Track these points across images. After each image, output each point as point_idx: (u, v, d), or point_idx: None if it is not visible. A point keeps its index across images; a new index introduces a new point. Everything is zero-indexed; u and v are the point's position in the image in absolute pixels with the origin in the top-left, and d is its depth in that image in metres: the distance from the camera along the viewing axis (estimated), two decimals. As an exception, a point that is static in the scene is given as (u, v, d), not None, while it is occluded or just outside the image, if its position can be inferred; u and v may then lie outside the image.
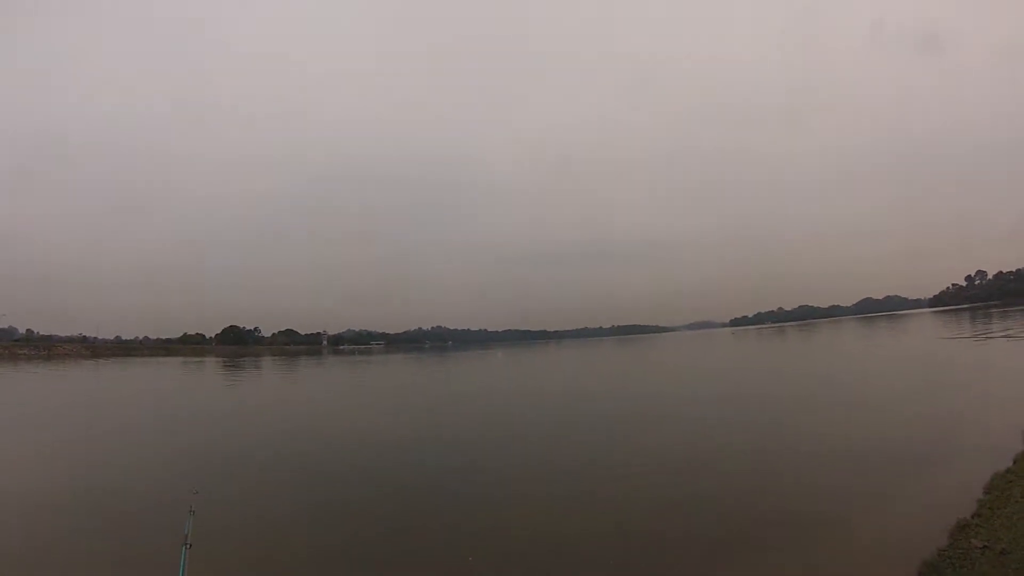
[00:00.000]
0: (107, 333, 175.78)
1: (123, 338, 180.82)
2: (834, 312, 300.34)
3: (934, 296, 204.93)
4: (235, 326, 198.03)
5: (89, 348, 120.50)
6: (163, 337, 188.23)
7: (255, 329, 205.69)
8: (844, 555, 6.71)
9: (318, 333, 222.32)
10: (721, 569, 6.64)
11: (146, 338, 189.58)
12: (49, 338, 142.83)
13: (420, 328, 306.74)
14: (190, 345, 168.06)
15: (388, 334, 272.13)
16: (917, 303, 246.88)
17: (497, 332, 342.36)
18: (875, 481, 9.37)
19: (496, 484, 10.99)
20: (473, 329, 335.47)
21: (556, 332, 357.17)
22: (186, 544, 4.31)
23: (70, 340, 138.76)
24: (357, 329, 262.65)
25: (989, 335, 42.17)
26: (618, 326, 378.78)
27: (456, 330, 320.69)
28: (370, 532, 8.77)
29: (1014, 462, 8.90)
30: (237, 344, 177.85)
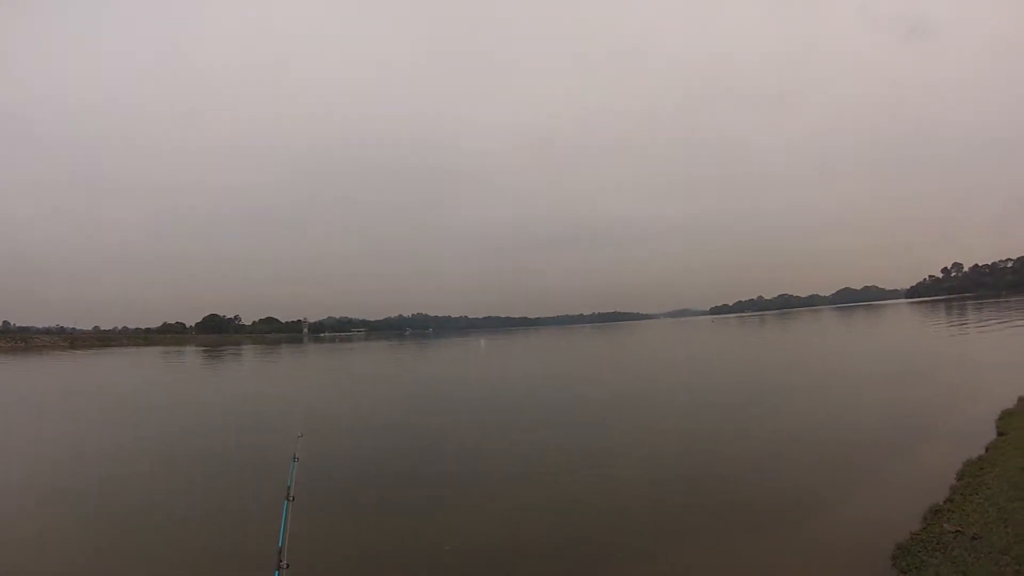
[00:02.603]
0: (85, 324, 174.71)
1: (102, 328, 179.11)
2: (813, 301, 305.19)
3: (911, 287, 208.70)
4: (215, 314, 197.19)
5: (67, 339, 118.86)
6: (142, 327, 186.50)
7: (235, 317, 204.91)
8: (816, 539, 6.79)
9: (299, 321, 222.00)
10: (690, 553, 6.69)
11: (125, 328, 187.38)
12: (27, 330, 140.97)
13: (401, 315, 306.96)
14: (170, 334, 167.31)
15: (369, 321, 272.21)
16: (894, 294, 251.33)
17: (477, 319, 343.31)
18: (847, 466, 9.52)
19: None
20: (454, 316, 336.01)
21: (536, 319, 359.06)
22: (288, 497, 3.85)
23: (48, 332, 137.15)
24: (338, 316, 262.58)
25: (964, 325, 43.12)
26: (598, 313, 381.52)
27: (437, 317, 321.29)
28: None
29: (986, 450, 9.08)
30: (217, 332, 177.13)
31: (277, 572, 3.26)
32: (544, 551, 6.98)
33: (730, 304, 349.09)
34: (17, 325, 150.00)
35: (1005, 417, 10.94)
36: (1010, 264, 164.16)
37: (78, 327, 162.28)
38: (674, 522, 7.72)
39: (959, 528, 6.08)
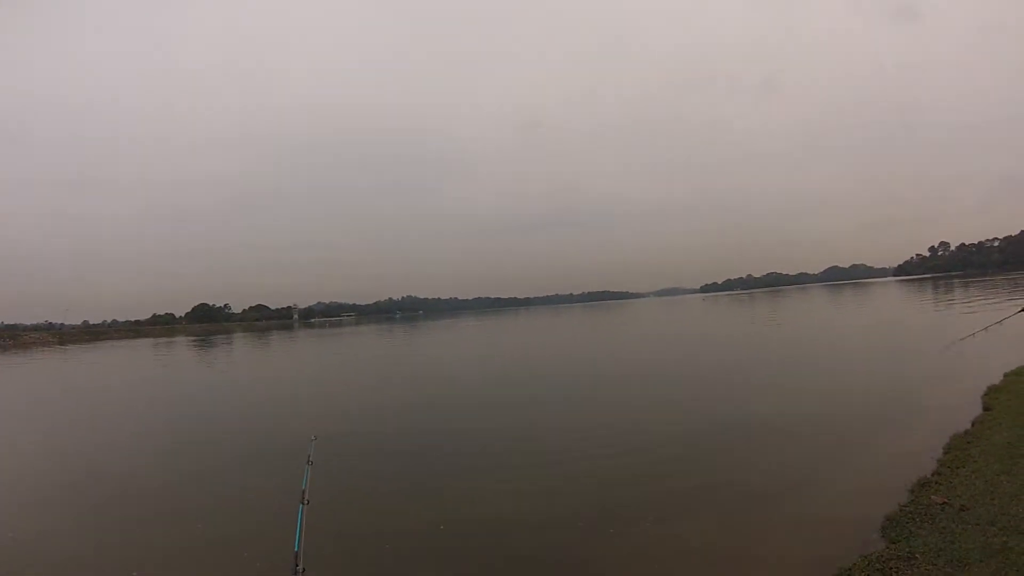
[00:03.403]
0: (74, 319, 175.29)
1: (91, 322, 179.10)
2: (801, 279, 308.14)
3: (898, 265, 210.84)
4: (205, 303, 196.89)
5: (56, 335, 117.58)
6: (132, 319, 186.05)
7: (225, 306, 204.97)
8: (805, 512, 6.91)
9: (289, 307, 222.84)
10: (681, 524, 6.80)
11: (115, 321, 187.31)
12: (15, 327, 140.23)
13: (391, 298, 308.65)
14: (160, 325, 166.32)
15: (359, 306, 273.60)
16: (882, 272, 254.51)
17: (467, 300, 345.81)
18: (835, 440, 9.65)
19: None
20: (444, 298, 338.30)
21: (526, 299, 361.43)
22: (303, 501, 3.79)
23: (36, 328, 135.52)
24: (327, 302, 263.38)
25: (951, 302, 43.65)
26: (588, 293, 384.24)
27: (427, 299, 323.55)
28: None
29: (972, 424, 9.22)
30: (208, 322, 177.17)
31: None
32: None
33: (719, 282, 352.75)
34: (4, 323, 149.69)
35: (991, 392, 11.12)
36: (996, 243, 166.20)
37: (67, 323, 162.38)
38: (667, 496, 7.80)
39: (946, 500, 6.20)
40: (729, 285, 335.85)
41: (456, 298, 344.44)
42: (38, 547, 7.42)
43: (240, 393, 22.92)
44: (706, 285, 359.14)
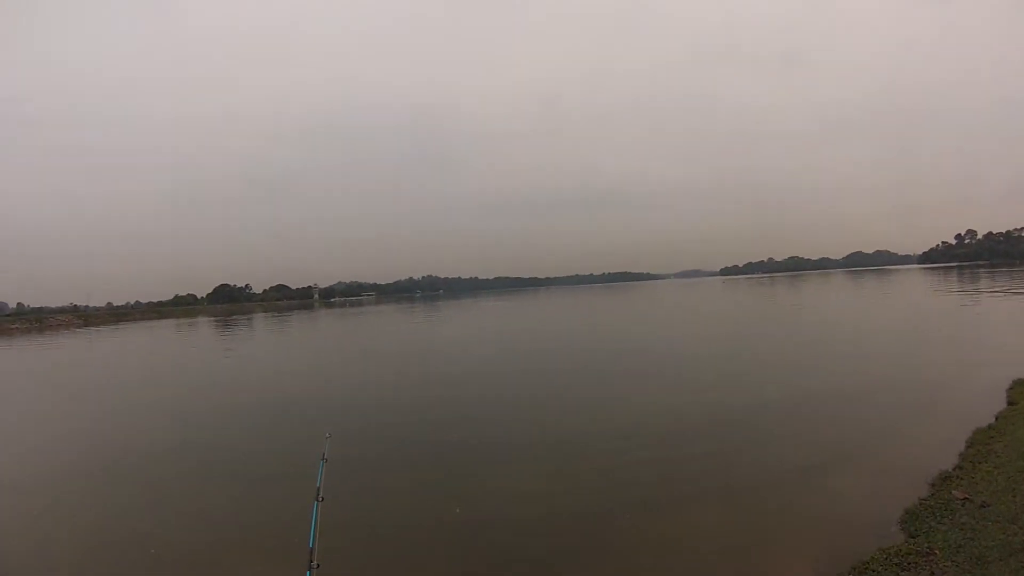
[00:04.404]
0: (98, 300, 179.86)
1: (114, 304, 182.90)
2: (824, 265, 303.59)
3: (923, 253, 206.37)
4: (226, 284, 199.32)
5: (81, 317, 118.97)
6: (154, 300, 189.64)
7: (246, 286, 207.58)
8: (823, 502, 6.91)
9: (309, 287, 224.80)
10: (695, 513, 6.85)
11: (138, 302, 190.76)
12: (40, 310, 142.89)
13: (411, 278, 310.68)
14: (182, 307, 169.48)
15: (379, 285, 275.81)
16: (906, 259, 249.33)
17: (488, 280, 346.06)
18: (857, 432, 9.58)
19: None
20: (464, 277, 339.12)
21: (547, 279, 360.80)
22: (318, 498, 3.84)
23: (62, 311, 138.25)
24: (348, 281, 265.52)
25: (978, 292, 42.68)
26: (608, 273, 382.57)
27: (447, 279, 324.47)
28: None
29: (996, 418, 9.12)
30: (229, 302, 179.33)
31: (309, 573, 3.37)
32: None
33: (740, 266, 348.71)
34: (31, 306, 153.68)
35: (1016, 386, 10.98)
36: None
37: (91, 305, 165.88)
38: (686, 482, 7.87)
39: (967, 495, 6.18)
40: (750, 268, 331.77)
41: (476, 278, 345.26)
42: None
43: (258, 380, 23.09)
44: (726, 268, 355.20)
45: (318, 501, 3.82)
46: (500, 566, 6.02)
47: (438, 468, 9.14)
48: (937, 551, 5.13)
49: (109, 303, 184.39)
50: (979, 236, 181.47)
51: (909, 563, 5.02)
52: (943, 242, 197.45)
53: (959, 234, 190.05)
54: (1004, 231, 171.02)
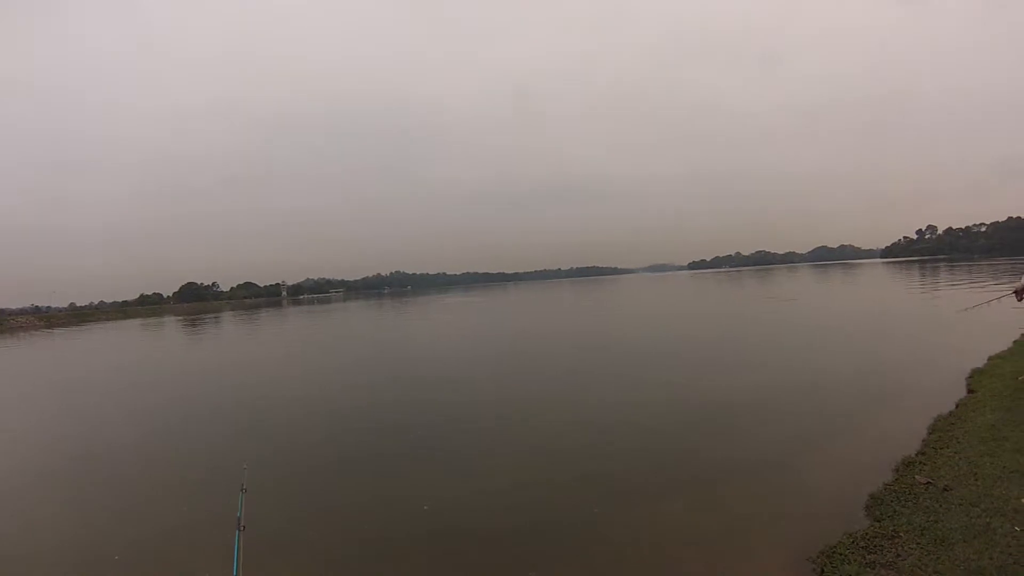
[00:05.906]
0: (60, 301, 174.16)
1: (77, 304, 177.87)
2: (790, 259, 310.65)
3: (886, 247, 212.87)
4: (192, 283, 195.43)
5: (43, 319, 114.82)
6: (119, 300, 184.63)
7: (213, 284, 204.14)
8: (789, 489, 6.97)
9: (277, 284, 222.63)
10: (664, 503, 6.82)
11: (102, 302, 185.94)
12: (0, 312, 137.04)
13: (379, 274, 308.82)
14: (148, 306, 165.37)
15: (347, 281, 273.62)
16: (870, 253, 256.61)
17: (456, 275, 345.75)
18: (821, 419, 9.73)
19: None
20: (432, 273, 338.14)
21: (515, 274, 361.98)
22: (239, 527, 3.66)
23: (23, 312, 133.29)
24: (316, 278, 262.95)
25: (937, 286, 44.08)
26: (576, 268, 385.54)
27: (415, 274, 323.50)
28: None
29: (956, 406, 9.34)
30: (196, 301, 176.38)
31: None
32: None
33: (708, 260, 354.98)
34: None
35: (975, 375, 11.28)
36: (983, 229, 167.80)
37: (53, 306, 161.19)
38: (654, 473, 7.87)
39: (930, 480, 6.29)
40: (718, 263, 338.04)
41: (444, 273, 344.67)
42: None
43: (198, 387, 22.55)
44: (694, 262, 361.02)
45: (240, 530, 3.55)
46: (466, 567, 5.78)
47: (395, 471, 8.90)
48: (902, 534, 5.19)
49: (72, 304, 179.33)
50: (939, 232, 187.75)
51: (875, 546, 5.07)
52: (904, 237, 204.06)
53: (920, 230, 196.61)
54: (963, 227, 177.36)
